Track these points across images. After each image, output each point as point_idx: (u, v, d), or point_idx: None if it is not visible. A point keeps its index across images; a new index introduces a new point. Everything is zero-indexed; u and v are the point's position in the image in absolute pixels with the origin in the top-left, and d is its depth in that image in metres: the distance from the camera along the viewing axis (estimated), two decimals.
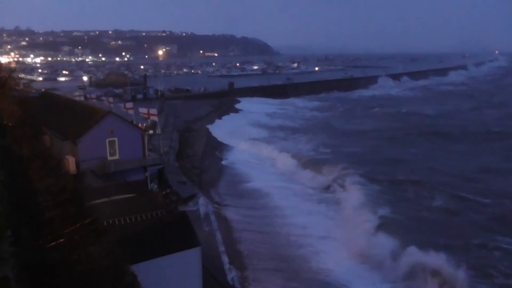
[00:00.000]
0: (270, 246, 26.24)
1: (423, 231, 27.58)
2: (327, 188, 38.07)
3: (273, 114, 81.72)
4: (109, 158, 27.41)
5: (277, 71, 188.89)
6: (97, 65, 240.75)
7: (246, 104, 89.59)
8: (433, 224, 28.81)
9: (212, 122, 67.36)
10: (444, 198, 33.79)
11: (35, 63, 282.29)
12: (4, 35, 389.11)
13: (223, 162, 46.74)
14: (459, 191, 35.39)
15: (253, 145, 53.64)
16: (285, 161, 46.19)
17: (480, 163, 44.30)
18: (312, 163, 44.44)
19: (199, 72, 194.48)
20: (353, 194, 34.16)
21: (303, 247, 26.06)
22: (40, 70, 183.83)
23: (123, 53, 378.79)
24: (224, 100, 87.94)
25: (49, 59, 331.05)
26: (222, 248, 23.95)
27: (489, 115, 78.56)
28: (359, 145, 53.12)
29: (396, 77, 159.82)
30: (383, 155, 48.07)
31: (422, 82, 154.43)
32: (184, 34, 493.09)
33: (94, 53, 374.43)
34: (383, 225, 27.96)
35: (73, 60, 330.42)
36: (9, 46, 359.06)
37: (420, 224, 28.87)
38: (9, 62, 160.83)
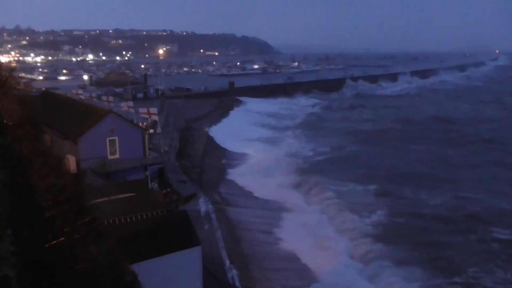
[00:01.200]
0: (272, 246, 26.25)
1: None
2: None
3: (273, 114, 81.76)
4: (110, 157, 27.37)
5: (277, 70, 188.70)
6: (97, 64, 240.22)
7: (246, 103, 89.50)
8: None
9: (212, 121, 67.27)
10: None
11: (36, 62, 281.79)
12: (5, 34, 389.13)
13: (223, 161, 46.77)
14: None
15: (252, 145, 53.72)
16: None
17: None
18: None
19: (200, 71, 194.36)
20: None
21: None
22: (40, 69, 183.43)
23: (124, 52, 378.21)
24: (224, 99, 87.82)
25: (50, 58, 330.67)
26: (222, 247, 23.94)
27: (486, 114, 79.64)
28: (354, 145, 55.30)
29: (395, 76, 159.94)
30: (379, 155, 50.28)
31: (421, 82, 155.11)
32: (184, 33, 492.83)
33: (94, 52, 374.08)
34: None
35: (73, 59, 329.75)
36: (9, 45, 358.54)
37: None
38: (10, 61, 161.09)
